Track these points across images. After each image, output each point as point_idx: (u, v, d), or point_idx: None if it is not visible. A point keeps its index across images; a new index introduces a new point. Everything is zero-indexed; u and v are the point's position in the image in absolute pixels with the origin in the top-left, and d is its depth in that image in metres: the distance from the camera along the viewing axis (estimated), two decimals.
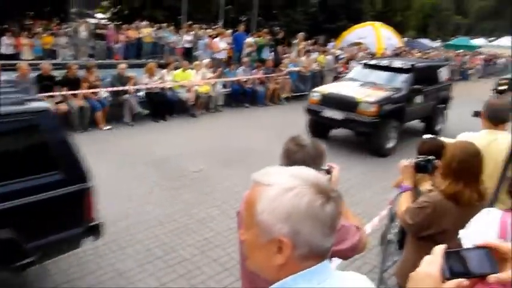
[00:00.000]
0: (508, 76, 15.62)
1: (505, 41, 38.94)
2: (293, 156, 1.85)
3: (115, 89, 9.25)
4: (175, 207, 5.37)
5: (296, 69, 13.51)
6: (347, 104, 8.09)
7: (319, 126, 8.74)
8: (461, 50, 29.21)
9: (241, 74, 12.09)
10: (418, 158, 2.80)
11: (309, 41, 17.35)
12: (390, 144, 8.23)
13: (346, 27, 25.35)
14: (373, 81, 8.88)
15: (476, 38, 44.76)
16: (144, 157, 7.16)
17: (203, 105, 10.85)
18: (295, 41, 15.25)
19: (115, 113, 9.20)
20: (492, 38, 46.58)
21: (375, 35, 22.81)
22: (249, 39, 14.10)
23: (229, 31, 16.10)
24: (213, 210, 5.36)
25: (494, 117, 2.91)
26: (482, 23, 67.25)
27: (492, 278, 0.86)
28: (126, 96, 9.30)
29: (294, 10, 23.96)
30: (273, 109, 12.07)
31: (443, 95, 10.21)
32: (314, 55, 15.02)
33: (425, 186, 2.93)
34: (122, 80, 9.49)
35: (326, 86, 9.50)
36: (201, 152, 7.60)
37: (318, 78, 13.97)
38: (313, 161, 1.85)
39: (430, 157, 2.77)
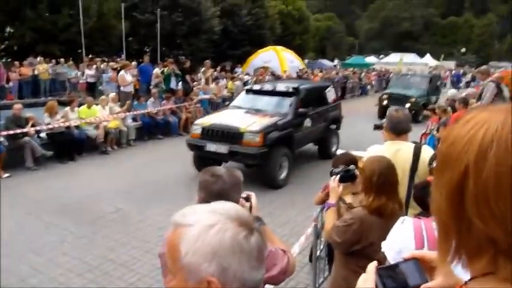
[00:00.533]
0: (388, 91, 16.82)
1: (392, 57, 43.23)
2: (210, 187, 1.83)
3: (11, 132, 8.46)
4: (93, 254, 4.98)
5: (207, 96, 13.57)
6: (231, 135, 7.43)
7: (206, 162, 7.49)
8: (357, 68, 31.70)
9: (151, 106, 11.82)
10: (338, 168, 2.88)
11: (217, 68, 17.60)
12: (283, 174, 7.73)
13: (250, 52, 26.27)
14: (258, 107, 8.38)
15: (368, 56, 48.96)
16: (53, 203, 6.59)
17: (114, 141, 10.37)
18: (202, 69, 15.36)
19: (14, 158, 8.37)
20: (382, 56, 51.34)
21: (277, 58, 23.94)
22: (156, 70, 13.90)
23: (134, 63, 15.76)
24: (136, 252, 5.06)
25: (396, 129, 3.13)
26: (371, 42, 74.11)
27: None
28: (26, 139, 8.54)
29: (198, 38, 24.21)
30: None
31: (334, 116, 9.87)
32: (223, 82, 15.26)
33: (347, 198, 3.04)
34: (19, 121, 8.72)
35: (208, 117, 8.59)
36: (116, 191, 7.20)
37: (229, 104, 14.12)
38: (231, 190, 1.83)
39: (349, 167, 2.88)
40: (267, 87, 9.06)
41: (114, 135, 10.32)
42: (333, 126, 9.96)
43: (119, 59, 19.71)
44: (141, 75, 14.03)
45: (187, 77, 14.36)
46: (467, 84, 31.25)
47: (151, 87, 13.21)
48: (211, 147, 7.54)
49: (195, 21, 23.69)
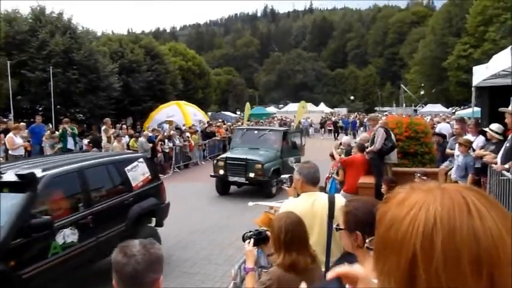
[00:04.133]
0: (225, 155, 12.19)
1: (291, 107, 45.96)
2: (122, 270, 1.60)
3: None
4: None
5: None
6: None
7: None
8: (259, 118, 33.04)
9: None
10: (250, 232, 2.87)
11: (117, 125, 17.00)
12: None
13: (152, 107, 25.95)
14: None
15: (269, 107, 51.58)
16: None
17: None
18: (103, 127, 14.71)
19: None
20: (281, 105, 54.40)
21: (181, 112, 23.96)
22: (49, 131, 12.99)
23: (23, 124, 14.57)
24: None
25: (314, 179, 3.22)
26: (270, 93, 78.41)
27: None
28: None
29: (96, 96, 23.27)
30: None
31: (146, 207, 6.16)
32: (125, 139, 14.71)
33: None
34: None
35: None
36: None
37: None
38: (147, 270, 1.61)
39: (260, 229, 2.89)
40: None
41: None
42: (148, 222, 6.32)
43: (5, 120, 18.07)
44: (32, 137, 12.97)
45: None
46: (358, 129, 34.24)
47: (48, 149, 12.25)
48: None
49: (92, 78, 22.85)
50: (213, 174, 11.61)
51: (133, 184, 6.08)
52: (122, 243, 1.73)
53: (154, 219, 6.46)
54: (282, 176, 3.71)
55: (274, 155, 11.79)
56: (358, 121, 36.68)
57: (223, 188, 11.68)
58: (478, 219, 0.64)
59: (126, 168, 6.09)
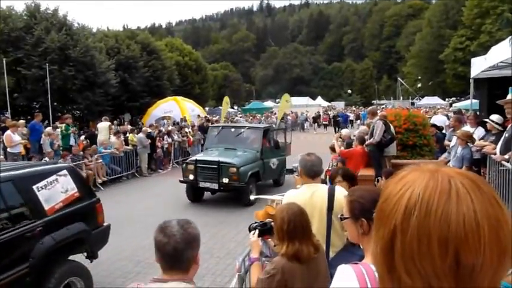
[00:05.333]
0: (195, 157, 10.36)
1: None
2: (163, 248, 1.77)
3: None
4: None
5: (108, 151, 12.90)
6: None
7: None
8: (256, 112, 32.98)
9: None
10: (255, 223, 2.91)
11: (115, 121, 16.99)
12: None
13: (150, 103, 25.91)
14: None
15: (266, 101, 51.55)
16: None
17: None
18: (107, 124, 14.71)
19: None
20: (278, 100, 54.33)
21: (178, 108, 23.93)
22: (48, 128, 12.97)
23: (22, 121, 14.52)
24: None
25: (311, 172, 3.24)
26: (267, 88, 78.36)
27: None
28: None
29: (93, 92, 23.19)
30: None
31: (69, 234, 4.67)
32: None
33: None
34: None
35: None
36: None
37: (132, 157, 13.67)
38: (186, 248, 1.77)
39: (266, 220, 2.92)
40: None
41: None
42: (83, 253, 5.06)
43: (3, 117, 18.00)
44: (32, 134, 12.93)
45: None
46: (351, 123, 34.32)
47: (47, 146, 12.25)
48: None
49: (88, 75, 22.76)
50: (182, 179, 10.06)
51: (47, 207, 4.48)
52: (161, 223, 1.82)
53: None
54: (293, 165, 3.72)
55: (253, 156, 10.26)
56: (353, 115, 36.65)
57: (194, 195, 10.10)
58: (454, 204, 0.69)
59: (35, 186, 4.47)
